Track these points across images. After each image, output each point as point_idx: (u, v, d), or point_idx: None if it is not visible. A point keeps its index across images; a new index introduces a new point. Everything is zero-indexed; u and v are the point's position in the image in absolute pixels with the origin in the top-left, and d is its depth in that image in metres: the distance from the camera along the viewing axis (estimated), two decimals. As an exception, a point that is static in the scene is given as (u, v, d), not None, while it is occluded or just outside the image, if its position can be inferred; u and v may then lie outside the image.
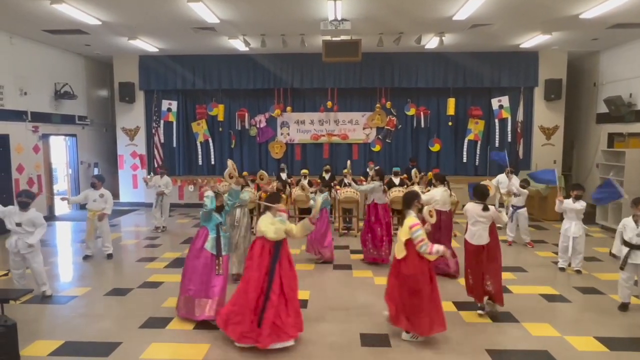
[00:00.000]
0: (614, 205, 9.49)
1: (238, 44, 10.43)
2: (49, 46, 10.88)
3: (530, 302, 5.67)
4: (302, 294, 5.85)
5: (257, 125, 12.79)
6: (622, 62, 10.84)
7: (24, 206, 5.61)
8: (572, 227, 6.63)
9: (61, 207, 11.97)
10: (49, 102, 10.95)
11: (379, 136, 12.69)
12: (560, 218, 7.01)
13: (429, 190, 9.46)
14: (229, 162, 5.42)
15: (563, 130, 12.29)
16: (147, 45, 10.75)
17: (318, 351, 4.42)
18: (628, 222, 5.34)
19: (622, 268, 5.34)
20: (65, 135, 11.90)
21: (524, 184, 8.28)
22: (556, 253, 7.28)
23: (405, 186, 9.39)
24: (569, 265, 6.90)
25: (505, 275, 6.66)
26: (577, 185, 6.97)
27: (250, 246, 4.72)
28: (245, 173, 10.67)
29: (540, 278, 6.58)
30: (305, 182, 9.80)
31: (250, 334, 4.32)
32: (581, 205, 6.55)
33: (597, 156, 11.00)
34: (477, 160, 12.65)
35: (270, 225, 4.45)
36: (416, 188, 7.66)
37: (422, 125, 12.43)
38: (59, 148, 12.16)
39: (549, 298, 5.82)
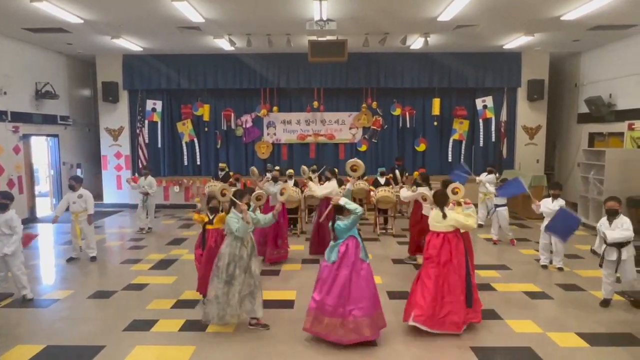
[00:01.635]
0: (595, 204, 9.69)
1: (223, 44, 10.36)
2: (29, 45, 10.66)
3: (514, 299, 5.75)
4: (289, 294, 5.87)
5: (243, 125, 12.74)
6: (603, 63, 11.07)
7: (3, 208, 5.50)
8: None
9: (43, 209, 11.75)
10: (30, 102, 10.73)
11: (365, 136, 12.74)
12: (543, 216, 7.12)
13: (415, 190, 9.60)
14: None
15: (545, 130, 12.50)
16: (131, 44, 10.61)
17: (304, 352, 4.42)
18: (603, 221, 5.51)
19: (600, 265, 5.47)
20: (47, 135, 11.68)
21: (502, 183, 8.41)
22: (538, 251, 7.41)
23: (391, 186, 9.46)
24: (551, 262, 7.03)
25: (489, 273, 6.81)
26: (555, 185, 7.14)
27: (431, 240, 4.80)
28: (232, 173, 10.67)
29: (523, 275, 6.68)
30: (291, 182, 9.79)
31: (462, 318, 4.68)
32: (559, 205, 6.68)
33: (579, 155, 11.21)
34: (462, 160, 12.76)
35: (462, 216, 4.85)
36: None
37: (408, 125, 12.53)
38: (41, 148, 11.93)
39: (532, 295, 5.91)
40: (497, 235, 8.56)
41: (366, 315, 4.33)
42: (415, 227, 7.12)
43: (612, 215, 5.42)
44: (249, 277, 4.73)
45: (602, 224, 5.51)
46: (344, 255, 4.39)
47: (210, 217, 5.55)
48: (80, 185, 7.52)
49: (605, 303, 5.50)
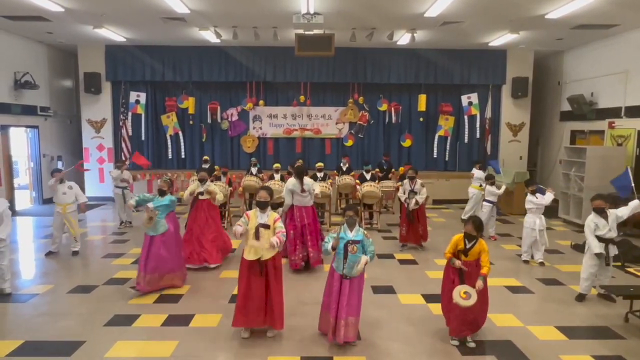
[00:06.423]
0: (575, 200, 9.88)
1: (209, 36, 10.22)
2: (8, 33, 10.36)
3: (496, 294, 5.80)
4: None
5: (229, 119, 12.62)
6: (585, 62, 11.25)
7: None
8: (538, 221, 6.87)
9: (22, 202, 11.50)
10: (8, 92, 10.44)
11: (352, 131, 12.74)
12: (524, 212, 7.24)
13: (400, 185, 9.65)
14: None
15: (529, 127, 12.67)
16: (114, 34, 10.39)
17: (286, 345, 4.42)
18: (597, 219, 5.43)
19: (608, 264, 5.46)
20: (27, 127, 11.40)
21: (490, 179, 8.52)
22: (520, 246, 7.52)
23: (377, 181, 9.49)
24: (532, 257, 7.15)
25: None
26: (529, 182, 7.51)
27: None
28: (217, 167, 10.58)
29: (506, 270, 6.78)
30: (278, 176, 9.75)
31: None
32: (548, 198, 6.88)
33: (560, 152, 11.39)
34: (447, 156, 12.90)
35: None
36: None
37: (394, 120, 12.57)
38: (20, 140, 11.64)
39: (513, 290, 6.01)
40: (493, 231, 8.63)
41: None
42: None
43: (600, 213, 5.42)
44: None
45: (598, 223, 5.41)
46: None
47: None
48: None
49: (581, 297, 5.61)
